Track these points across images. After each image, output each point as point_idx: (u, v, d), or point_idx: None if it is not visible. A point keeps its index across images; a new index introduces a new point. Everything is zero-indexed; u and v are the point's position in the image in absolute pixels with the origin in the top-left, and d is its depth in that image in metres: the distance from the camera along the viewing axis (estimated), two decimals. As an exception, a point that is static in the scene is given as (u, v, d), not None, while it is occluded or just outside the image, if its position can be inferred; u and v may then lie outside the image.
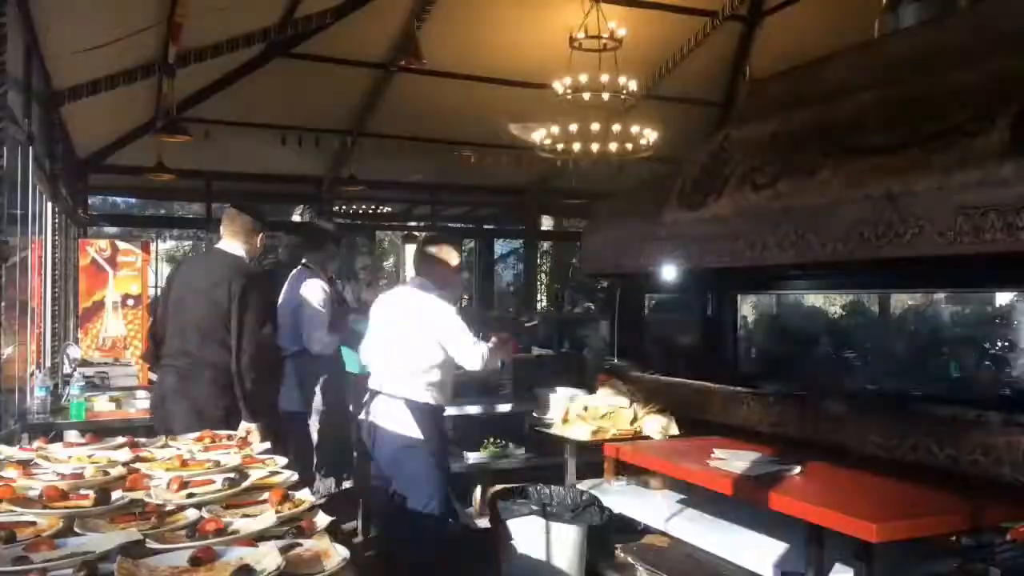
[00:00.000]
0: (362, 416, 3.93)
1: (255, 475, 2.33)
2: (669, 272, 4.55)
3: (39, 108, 5.15)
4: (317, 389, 4.82)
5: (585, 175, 9.33)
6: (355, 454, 4.91)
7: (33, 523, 1.92)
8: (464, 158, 9.72)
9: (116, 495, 2.12)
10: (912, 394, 4.29)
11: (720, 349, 5.26)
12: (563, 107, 7.24)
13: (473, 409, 5.09)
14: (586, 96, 7.07)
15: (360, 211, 13.70)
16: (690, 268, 4.35)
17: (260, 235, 4.01)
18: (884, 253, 3.11)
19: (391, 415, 3.76)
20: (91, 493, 2.09)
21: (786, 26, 8.12)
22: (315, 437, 4.87)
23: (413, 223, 15.14)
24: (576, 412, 4.37)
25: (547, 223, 15.04)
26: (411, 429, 3.72)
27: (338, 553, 1.71)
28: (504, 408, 5.20)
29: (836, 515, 2.67)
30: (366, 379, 4.05)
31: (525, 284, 14.06)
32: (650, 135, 7.56)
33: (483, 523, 4.59)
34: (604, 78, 7.01)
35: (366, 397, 3.93)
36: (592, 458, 4.35)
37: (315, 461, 4.92)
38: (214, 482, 2.25)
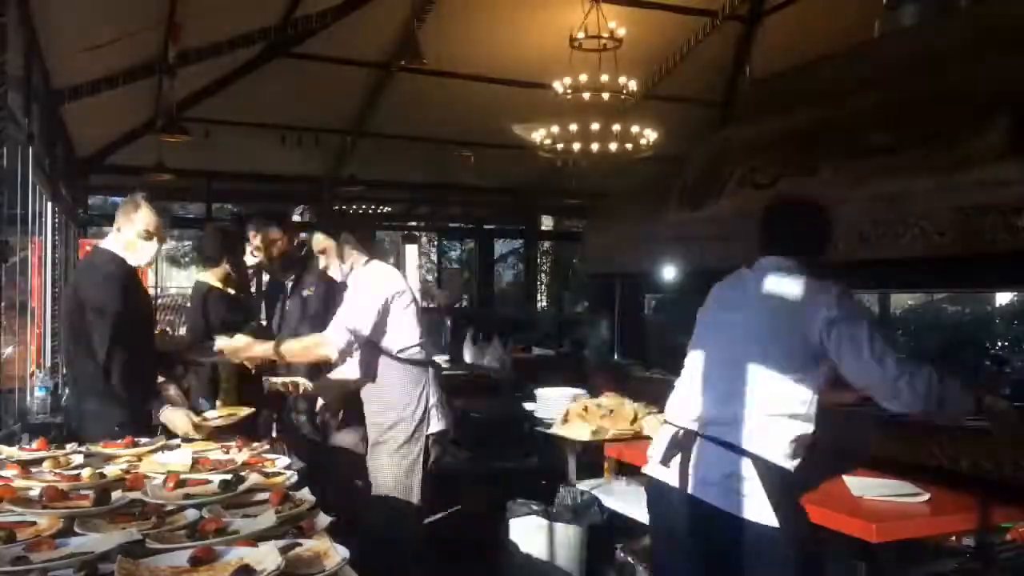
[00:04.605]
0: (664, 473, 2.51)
1: (253, 477, 2.32)
2: (669, 272, 4.55)
3: (39, 108, 5.15)
4: None
5: (585, 175, 9.32)
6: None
7: (33, 523, 1.92)
8: (464, 158, 9.71)
9: (116, 495, 2.12)
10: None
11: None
12: (563, 107, 7.24)
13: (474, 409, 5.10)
14: (586, 96, 7.07)
15: (360, 211, 13.70)
16: (690, 268, 4.35)
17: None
18: (884, 253, 3.11)
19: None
20: (91, 493, 2.09)
21: (786, 26, 8.11)
22: None
23: (413, 223, 15.15)
24: (576, 412, 4.37)
25: (547, 223, 15.04)
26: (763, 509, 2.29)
27: (338, 553, 1.71)
28: (505, 408, 5.20)
29: (836, 515, 2.67)
30: None
31: (525, 284, 14.05)
32: (650, 135, 7.55)
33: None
34: (604, 78, 7.00)
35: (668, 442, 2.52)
36: (592, 458, 4.35)
37: None
38: (211, 482, 2.25)
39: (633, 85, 7.18)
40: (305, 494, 2.15)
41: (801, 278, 2.40)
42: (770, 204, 2.65)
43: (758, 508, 2.26)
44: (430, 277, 17.86)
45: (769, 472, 2.28)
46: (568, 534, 3.88)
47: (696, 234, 4.12)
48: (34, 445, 2.84)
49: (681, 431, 2.47)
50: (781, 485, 2.28)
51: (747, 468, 2.29)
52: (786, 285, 2.40)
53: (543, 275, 16.64)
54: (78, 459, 2.62)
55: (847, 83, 3.78)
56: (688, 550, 2.43)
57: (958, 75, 3.19)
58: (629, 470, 4.25)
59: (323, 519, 1.98)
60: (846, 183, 3.30)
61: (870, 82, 3.63)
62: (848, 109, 3.62)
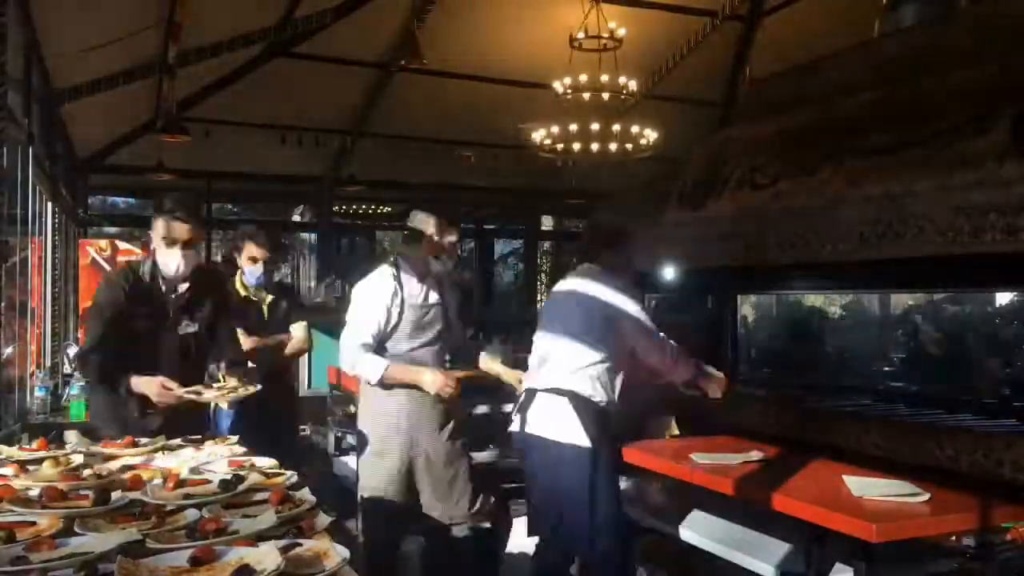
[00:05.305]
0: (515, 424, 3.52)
1: (253, 477, 2.32)
2: (669, 272, 4.54)
3: (39, 108, 5.15)
4: None
5: (585, 175, 9.33)
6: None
7: (33, 523, 1.92)
8: (464, 158, 9.72)
9: (116, 495, 2.12)
10: (913, 394, 4.29)
11: (720, 349, 5.25)
12: (563, 107, 7.25)
13: (478, 408, 5.09)
14: (586, 96, 7.08)
15: (360, 211, 13.70)
16: (690, 268, 4.35)
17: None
18: (884, 253, 3.11)
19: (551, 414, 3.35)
20: (90, 493, 2.09)
21: (786, 26, 8.12)
22: None
23: (413, 223, 15.13)
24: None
25: (547, 223, 15.04)
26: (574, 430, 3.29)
27: (338, 553, 1.71)
28: (508, 407, 5.19)
29: (836, 515, 2.67)
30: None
31: (525, 284, 14.06)
32: (650, 135, 7.56)
33: (483, 523, 4.58)
34: (604, 78, 7.02)
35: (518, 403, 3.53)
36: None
37: None
38: (211, 482, 2.25)
39: (633, 85, 7.19)
40: (305, 494, 2.15)
41: (599, 279, 3.47)
42: (586, 224, 3.55)
43: (574, 434, 3.23)
44: (430, 277, 17.83)
45: (584, 405, 3.26)
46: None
47: (696, 234, 4.11)
48: (34, 445, 2.84)
49: (525, 393, 3.47)
50: (593, 415, 3.25)
51: (567, 405, 3.26)
52: (590, 285, 3.46)
53: (543, 275, 16.63)
54: (78, 459, 2.61)
55: (847, 83, 3.77)
56: (534, 473, 3.43)
57: (958, 75, 3.18)
58: (629, 469, 4.25)
59: (323, 519, 1.98)
60: (846, 183, 3.29)
61: (870, 82, 3.62)
62: (848, 109, 3.62)
